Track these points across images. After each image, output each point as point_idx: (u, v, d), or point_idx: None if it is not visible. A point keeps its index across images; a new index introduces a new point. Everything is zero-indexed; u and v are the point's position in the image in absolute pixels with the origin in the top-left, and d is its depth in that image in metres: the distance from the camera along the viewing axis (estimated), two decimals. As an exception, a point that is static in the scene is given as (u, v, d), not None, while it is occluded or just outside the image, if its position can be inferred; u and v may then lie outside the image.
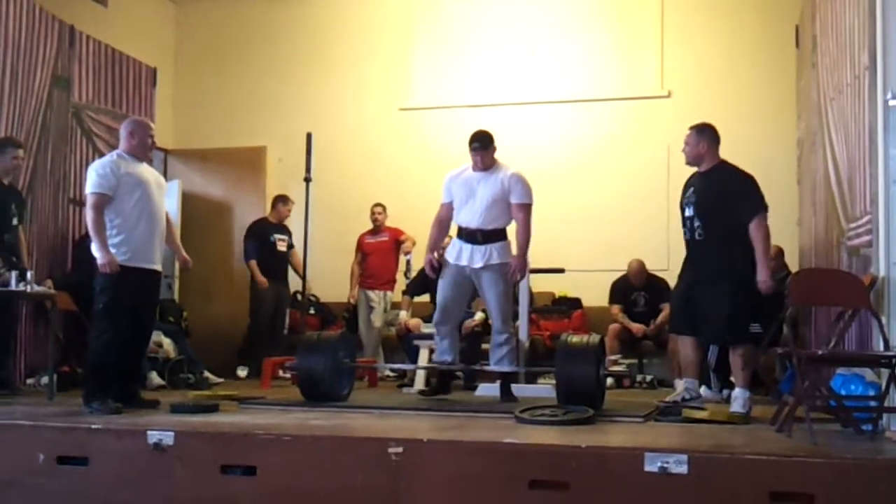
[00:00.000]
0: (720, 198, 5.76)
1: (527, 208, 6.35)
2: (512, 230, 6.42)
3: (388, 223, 9.36)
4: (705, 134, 5.95)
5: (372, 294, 9.31)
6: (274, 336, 9.16)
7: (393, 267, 9.35)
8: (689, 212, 5.90)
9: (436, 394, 6.41)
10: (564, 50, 10.00)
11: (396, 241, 9.30)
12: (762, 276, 5.60)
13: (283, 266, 9.34)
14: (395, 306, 9.07)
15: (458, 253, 6.38)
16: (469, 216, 6.35)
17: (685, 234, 5.95)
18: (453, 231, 6.62)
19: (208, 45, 10.87)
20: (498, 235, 6.36)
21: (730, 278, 5.66)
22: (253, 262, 9.11)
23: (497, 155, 6.46)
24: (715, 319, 5.73)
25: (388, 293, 9.34)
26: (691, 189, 5.96)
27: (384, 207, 9.33)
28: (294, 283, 9.41)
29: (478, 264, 6.28)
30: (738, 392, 5.74)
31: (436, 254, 6.57)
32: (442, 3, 10.41)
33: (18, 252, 6.93)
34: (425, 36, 10.37)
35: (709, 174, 5.90)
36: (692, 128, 6.02)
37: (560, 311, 9.23)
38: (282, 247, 9.31)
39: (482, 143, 6.36)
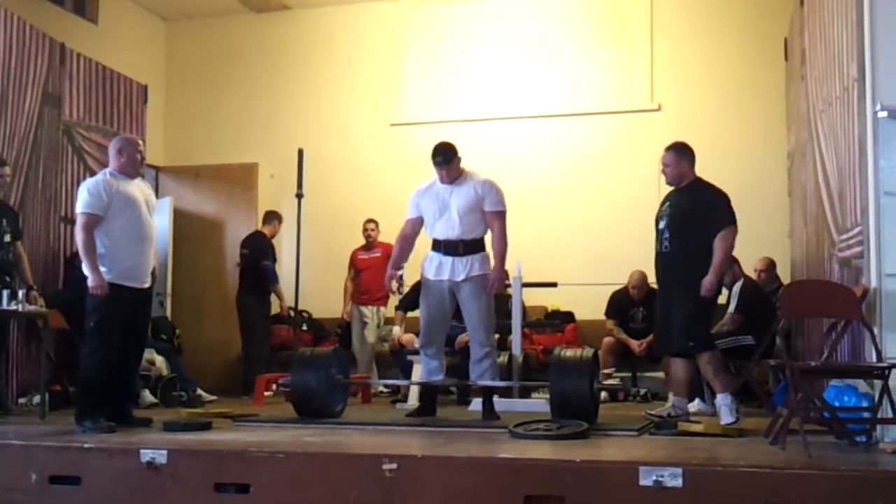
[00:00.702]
0: (692, 211, 5.88)
1: (502, 215, 6.30)
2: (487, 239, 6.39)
3: (380, 239, 9.35)
4: (685, 153, 6.07)
5: (365, 310, 9.29)
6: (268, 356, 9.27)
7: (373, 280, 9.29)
8: (661, 224, 6.03)
9: (421, 415, 6.26)
10: (555, 64, 10.04)
11: (389, 257, 9.25)
12: (708, 278, 5.72)
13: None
14: (389, 322, 9.06)
15: (438, 268, 6.26)
16: (447, 229, 6.25)
17: (656, 246, 6.08)
18: (426, 245, 6.48)
19: (199, 63, 10.90)
20: (478, 246, 6.28)
21: (683, 287, 5.79)
22: (280, 287, 9.12)
23: (465, 165, 6.40)
24: (674, 329, 5.84)
25: (382, 309, 9.33)
26: (667, 203, 6.09)
27: (377, 223, 9.32)
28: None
29: (459, 277, 6.19)
30: (719, 399, 5.78)
31: (398, 273, 6.51)
32: (432, 20, 10.44)
33: (13, 269, 6.90)
34: (416, 52, 10.40)
35: (684, 190, 6.02)
36: (670, 148, 6.11)
37: (553, 325, 9.22)
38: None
39: (445, 157, 6.25)
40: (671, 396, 8.21)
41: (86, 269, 5.62)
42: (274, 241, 9.45)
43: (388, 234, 9.24)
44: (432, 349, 6.36)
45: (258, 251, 9.22)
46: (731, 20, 9.58)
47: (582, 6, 10.11)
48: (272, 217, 9.45)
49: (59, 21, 8.89)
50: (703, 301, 5.78)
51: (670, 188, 6.17)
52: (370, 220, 9.31)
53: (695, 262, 5.79)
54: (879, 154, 4.90)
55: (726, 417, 5.64)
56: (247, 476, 4.40)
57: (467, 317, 6.30)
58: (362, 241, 9.39)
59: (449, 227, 6.25)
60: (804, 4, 7.36)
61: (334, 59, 10.60)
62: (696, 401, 6.91)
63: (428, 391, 6.45)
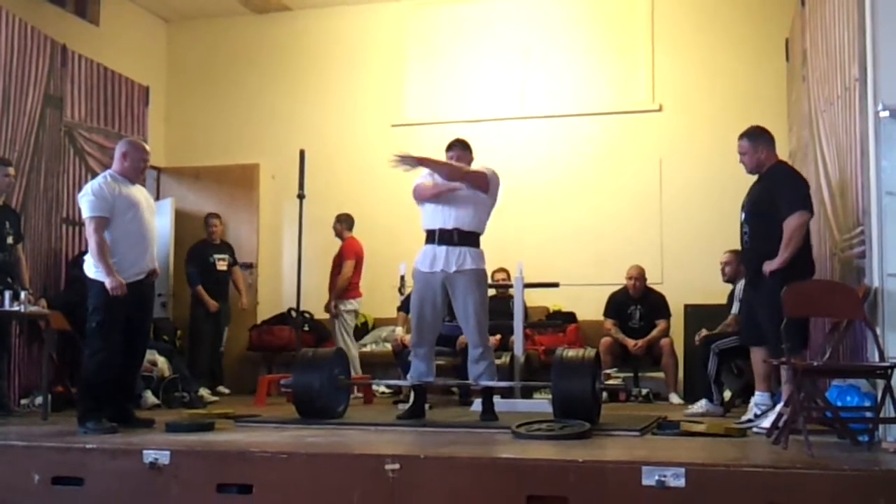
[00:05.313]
0: (765, 199, 5.65)
1: (484, 175, 6.22)
2: (487, 240, 6.33)
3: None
4: (762, 138, 5.80)
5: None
6: (214, 354, 9.36)
7: (334, 278, 9.10)
8: (742, 217, 5.85)
9: (412, 417, 6.17)
10: (556, 65, 10.05)
11: (341, 255, 9.14)
12: (774, 261, 5.46)
13: (224, 286, 9.51)
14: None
15: (431, 260, 6.17)
16: (443, 217, 6.16)
17: (740, 241, 5.91)
18: (419, 238, 6.38)
19: (200, 64, 10.91)
20: (473, 240, 6.19)
21: (767, 283, 5.52)
22: (199, 288, 9.26)
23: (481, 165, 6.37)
24: (762, 324, 5.63)
25: (349, 302, 9.13)
26: (748, 194, 5.88)
27: (338, 219, 9.19)
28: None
29: (452, 268, 6.10)
30: (758, 397, 5.82)
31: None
32: (433, 20, 10.45)
33: (14, 272, 6.91)
34: (417, 52, 10.42)
35: (763, 178, 5.79)
36: (744, 135, 5.85)
37: (555, 325, 9.22)
38: (221, 266, 9.46)
39: (463, 144, 6.34)
40: (672, 395, 8.30)
41: (101, 274, 5.61)
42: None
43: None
44: (423, 349, 6.25)
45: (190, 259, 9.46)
46: (733, 21, 9.59)
47: (583, 7, 10.11)
48: (203, 222, 9.60)
49: (60, 22, 8.89)
50: (777, 300, 5.16)
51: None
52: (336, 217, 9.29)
53: (770, 251, 5.53)
54: (881, 154, 4.90)
55: (755, 412, 5.72)
56: (249, 477, 4.40)
57: (459, 313, 6.21)
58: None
59: (445, 216, 6.17)
60: (805, 5, 7.36)
61: (335, 60, 10.61)
62: (703, 401, 6.91)
63: (419, 393, 6.39)
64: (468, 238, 6.18)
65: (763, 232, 5.63)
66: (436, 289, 6.18)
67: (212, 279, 9.33)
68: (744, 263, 6.02)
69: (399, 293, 8.35)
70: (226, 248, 9.58)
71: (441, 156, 6.39)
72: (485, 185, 6.20)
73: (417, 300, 6.25)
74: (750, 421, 5.74)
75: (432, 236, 6.23)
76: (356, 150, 10.34)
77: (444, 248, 6.15)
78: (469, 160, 6.36)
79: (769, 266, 5.52)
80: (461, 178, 6.17)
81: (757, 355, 5.91)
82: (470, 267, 6.13)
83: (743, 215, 5.85)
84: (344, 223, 9.22)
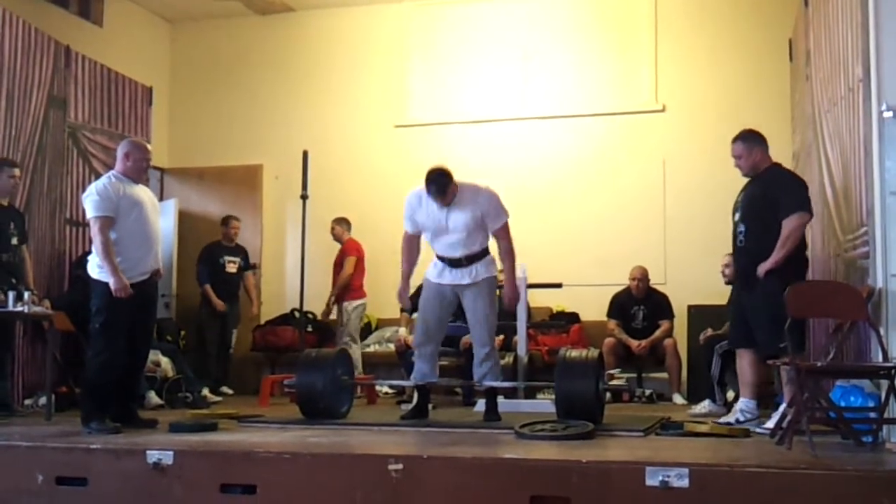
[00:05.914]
0: (762, 200, 5.64)
1: (506, 228, 6.21)
2: (490, 242, 6.32)
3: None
4: (756, 140, 5.80)
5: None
6: (220, 356, 9.32)
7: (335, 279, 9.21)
8: (735, 217, 5.83)
9: (415, 417, 6.18)
10: (559, 66, 10.04)
11: (343, 254, 9.21)
12: (766, 263, 5.46)
13: (233, 288, 9.45)
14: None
15: (441, 272, 6.19)
16: (448, 248, 6.15)
17: (732, 241, 5.88)
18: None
19: (204, 64, 10.92)
20: (481, 255, 6.20)
21: (763, 284, 5.52)
22: (207, 287, 9.21)
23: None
24: (757, 327, 5.61)
25: (346, 304, 9.20)
26: (741, 194, 5.87)
27: (337, 222, 9.23)
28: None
29: (465, 281, 6.13)
30: (742, 402, 5.79)
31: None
32: (436, 21, 10.45)
33: (19, 272, 6.92)
34: (420, 53, 10.41)
35: (758, 179, 5.77)
36: (737, 138, 5.84)
37: (558, 325, 9.21)
38: (231, 268, 9.40)
39: (439, 187, 5.99)
40: (676, 395, 8.29)
41: (105, 274, 5.62)
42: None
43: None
44: (429, 349, 6.25)
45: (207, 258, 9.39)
46: (736, 21, 9.58)
47: (586, 7, 10.11)
48: (220, 223, 9.55)
49: (63, 24, 8.90)
50: (775, 301, 5.15)
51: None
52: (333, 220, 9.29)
53: (766, 256, 5.52)
54: (885, 154, 4.89)
55: (737, 417, 5.69)
56: (253, 477, 4.40)
57: (470, 315, 6.22)
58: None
59: (450, 248, 6.15)
60: (809, 5, 7.36)
61: (338, 61, 10.61)
62: (707, 401, 6.90)
63: (422, 393, 6.38)
64: (477, 257, 6.19)
65: (759, 232, 5.63)
66: (445, 295, 6.22)
67: (219, 280, 9.30)
68: (736, 263, 5.99)
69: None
70: (239, 251, 9.52)
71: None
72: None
73: (425, 304, 6.27)
74: (729, 424, 5.66)
75: (441, 258, 6.24)
76: (359, 151, 10.34)
77: (454, 268, 6.17)
78: (452, 190, 6.09)
79: (763, 267, 5.52)
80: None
81: (744, 359, 5.89)
82: (483, 277, 6.17)
83: (737, 215, 5.83)
84: (343, 225, 9.25)
